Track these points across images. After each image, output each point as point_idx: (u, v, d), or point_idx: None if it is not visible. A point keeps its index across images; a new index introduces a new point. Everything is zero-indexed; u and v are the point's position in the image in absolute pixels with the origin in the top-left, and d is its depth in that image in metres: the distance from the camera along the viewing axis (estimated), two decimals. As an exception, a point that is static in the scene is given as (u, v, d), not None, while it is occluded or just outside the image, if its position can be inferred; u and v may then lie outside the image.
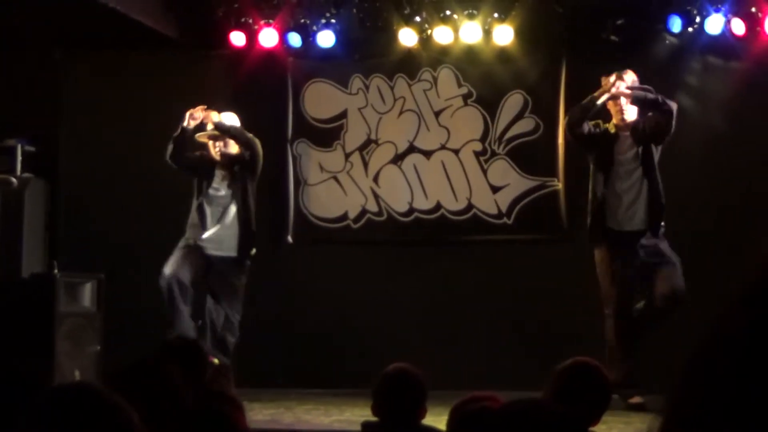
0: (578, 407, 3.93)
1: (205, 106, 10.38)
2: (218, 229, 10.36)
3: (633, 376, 9.45)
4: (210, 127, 10.38)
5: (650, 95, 9.61)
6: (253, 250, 10.50)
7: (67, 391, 2.88)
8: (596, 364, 4.97)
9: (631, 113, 9.76)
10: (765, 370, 0.86)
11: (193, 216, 10.40)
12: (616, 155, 9.76)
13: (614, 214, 9.72)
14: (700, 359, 0.93)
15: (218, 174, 10.44)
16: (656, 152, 9.71)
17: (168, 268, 10.20)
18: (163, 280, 10.17)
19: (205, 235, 10.31)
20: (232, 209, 10.42)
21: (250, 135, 10.43)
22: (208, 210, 10.38)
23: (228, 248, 10.39)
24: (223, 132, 10.33)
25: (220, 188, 10.43)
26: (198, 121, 10.36)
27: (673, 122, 9.57)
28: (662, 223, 9.63)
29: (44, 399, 2.78)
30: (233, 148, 10.44)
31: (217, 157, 10.40)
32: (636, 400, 9.38)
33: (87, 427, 2.63)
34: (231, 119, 10.50)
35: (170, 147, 10.32)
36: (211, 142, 10.43)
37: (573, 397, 4.57)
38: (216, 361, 9.28)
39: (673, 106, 9.62)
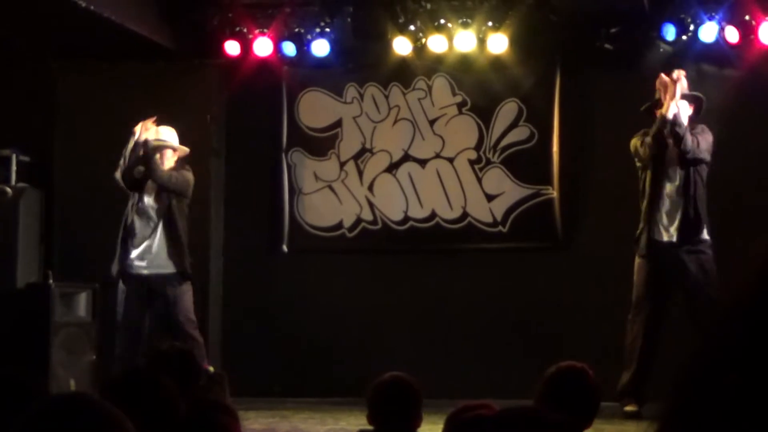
0: (567, 411, 3.90)
1: (155, 118, 10.33)
2: (147, 245, 10.28)
3: (643, 386, 9.44)
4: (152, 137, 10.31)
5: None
6: (188, 266, 10.35)
7: (63, 401, 2.86)
8: (583, 368, 4.95)
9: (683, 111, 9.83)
10: (760, 378, 0.84)
11: (123, 235, 10.33)
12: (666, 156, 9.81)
13: (657, 220, 9.70)
14: (695, 367, 0.91)
15: (148, 188, 10.36)
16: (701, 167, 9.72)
17: (119, 314, 10.18)
18: (119, 324, 10.18)
19: (134, 253, 10.24)
20: (161, 225, 10.32)
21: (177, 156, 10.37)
22: (138, 224, 10.31)
23: (159, 265, 10.28)
24: (148, 154, 10.27)
25: (150, 203, 10.34)
26: (149, 133, 10.32)
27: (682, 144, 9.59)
28: (702, 236, 9.58)
29: (39, 409, 2.76)
30: (170, 162, 10.35)
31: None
32: (631, 408, 9.38)
33: None
34: (169, 134, 10.42)
35: (123, 163, 10.27)
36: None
37: (561, 401, 4.56)
38: (211, 369, 9.28)
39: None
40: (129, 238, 10.29)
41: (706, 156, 9.66)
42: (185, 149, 10.42)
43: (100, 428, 2.63)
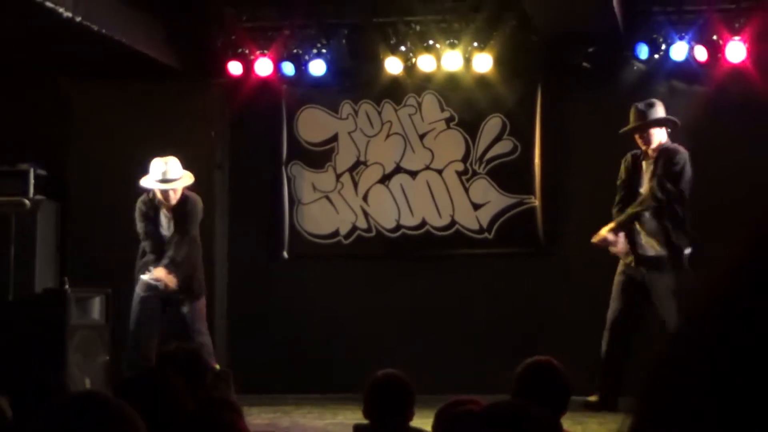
0: (540, 403, 3.90)
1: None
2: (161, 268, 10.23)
3: (612, 394, 9.40)
4: (158, 173, 10.21)
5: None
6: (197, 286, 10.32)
7: (79, 398, 2.87)
8: (554, 363, 4.95)
9: (655, 139, 9.70)
10: (733, 375, 0.84)
11: (141, 261, 10.29)
12: (638, 187, 9.70)
13: (637, 240, 9.64)
14: (669, 360, 0.92)
15: (163, 216, 10.33)
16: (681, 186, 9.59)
17: (132, 329, 10.13)
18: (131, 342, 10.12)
19: (146, 276, 10.19)
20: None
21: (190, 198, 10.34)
22: (152, 251, 10.27)
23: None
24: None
25: (166, 230, 10.31)
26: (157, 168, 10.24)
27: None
28: (683, 255, 9.44)
29: (58, 406, 2.77)
30: (179, 192, 10.27)
31: (166, 202, 10.24)
32: (592, 398, 9.37)
33: None
34: (175, 166, 10.33)
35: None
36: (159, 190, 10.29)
37: (533, 394, 4.57)
38: (218, 366, 9.27)
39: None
40: (145, 265, 10.26)
41: (686, 187, 9.54)
42: (190, 180, 10.35)
43: (113, 423, 2.64)
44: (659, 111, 9.76)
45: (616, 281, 9.66)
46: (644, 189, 9.63)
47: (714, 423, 0.84)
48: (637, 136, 9.74)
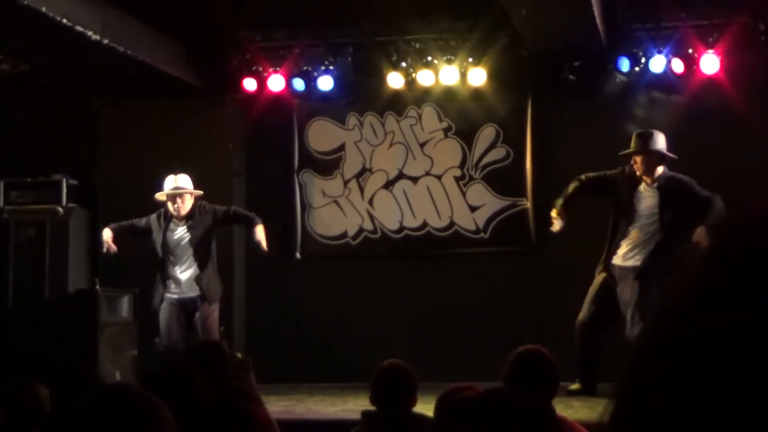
0: (531, 389, 3.89)
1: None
2: (182, 273, 10.19)
3: (592, 380, 9.35)
4: (169, 187, 10.17)
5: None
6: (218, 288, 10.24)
7: (110, 391, 2.87)
8: (542, 351, 4.93)
9: (658, 168, 9.30)
10: (706, 364, 0.84)
11: (160, 274, 10.21)
12: (636, 205, 9.30)
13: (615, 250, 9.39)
14: (647, 346, 0.91)
15: (174, 224, 10.18)
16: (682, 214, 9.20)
17: (162, 336, 9.97)
18: (159, 346, 9.98)
19: (173, 287, 10.10)
20: (189, 254, 10.18)
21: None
22: (169, 259, 10.20)
23: (194, 289, 10.10)
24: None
25: (179, 236, 10.19)
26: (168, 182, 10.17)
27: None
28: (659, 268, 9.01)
29: (92, 396, 2.77)
30: (188, 203, 10.18)
31: (175, 213, 10.15)
32: (574, 386, 9.33)
33: (128, 423, 2.62)
34: (185, 181, 10.27)
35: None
36: (169, 201, 10.23)
37: (524, 380, 4.55)
38: (239, 355, 9.24)
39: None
40: (163, 273, 10.19)
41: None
42: (199, 192, 10.30)
43: (142, 415, 2.64)
44: (662, 141, 9.32)
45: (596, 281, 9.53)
46: (645, 208, 9.31)
47: (689, 406, 0.84)
48: (639, 161, 9.26)
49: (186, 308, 10.06)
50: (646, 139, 9.34)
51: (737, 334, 0.82)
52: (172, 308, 10.02)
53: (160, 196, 10.22)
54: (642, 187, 9.35)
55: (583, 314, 9.45)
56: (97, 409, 2.66)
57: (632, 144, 9.39)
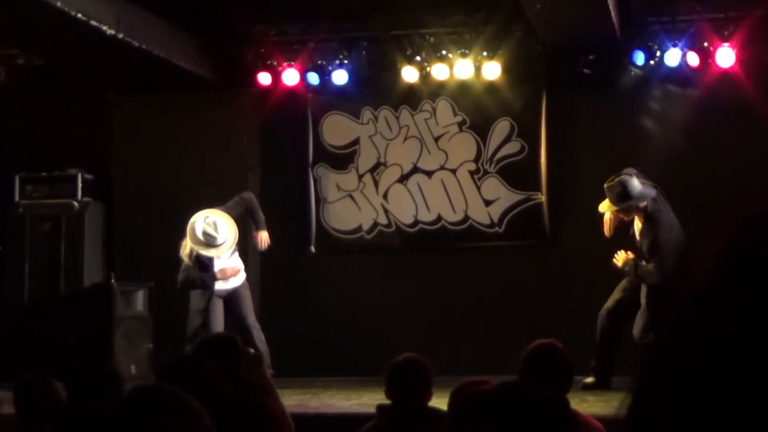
0: (546, 382, 3.88)
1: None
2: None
3: (607, 373, 9.43)
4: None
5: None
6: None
7: (150, 390, 2.86)
8: (557, 345, 4.92)
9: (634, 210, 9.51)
10: (724, 359, 0.84)
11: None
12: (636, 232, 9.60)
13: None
14: (666, 343, 0.91)
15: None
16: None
17: (210, 327, 10.09)
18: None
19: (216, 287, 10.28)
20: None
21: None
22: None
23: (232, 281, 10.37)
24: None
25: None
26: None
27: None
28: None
29: (131, 397, 2.76)
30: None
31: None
32: (589, 380, 9.39)
33: (169, 422, 2.62)
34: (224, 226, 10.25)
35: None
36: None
37: (539, 374, 4.54)
38: (252, 351, 9.27)
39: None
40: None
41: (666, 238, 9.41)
42: (233, 239, 10.31)
43: (183, 415, 2.63)
44: (633, 186, 9.40)
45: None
46: (638, 237, 9.53)
47: (704, 400, 0.83)
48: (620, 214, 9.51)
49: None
50: (613, 197, 9.43)
51: (751, 333, 0.82)
52: None
53: (197, 248, 10.21)
54: (636, 218, 9.59)
55: (609, 302, 9.56)
56: (138, 409, 2.66)
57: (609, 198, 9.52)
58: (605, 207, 9.53)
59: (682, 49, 10.99)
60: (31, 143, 12.23)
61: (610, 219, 9.57)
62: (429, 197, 11.98)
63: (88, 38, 10.05)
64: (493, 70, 11.49)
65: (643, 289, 9.35)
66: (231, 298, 10.37)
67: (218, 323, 10.21)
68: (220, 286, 10.29)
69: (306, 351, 11.60)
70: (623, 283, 9.62)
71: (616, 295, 9.61)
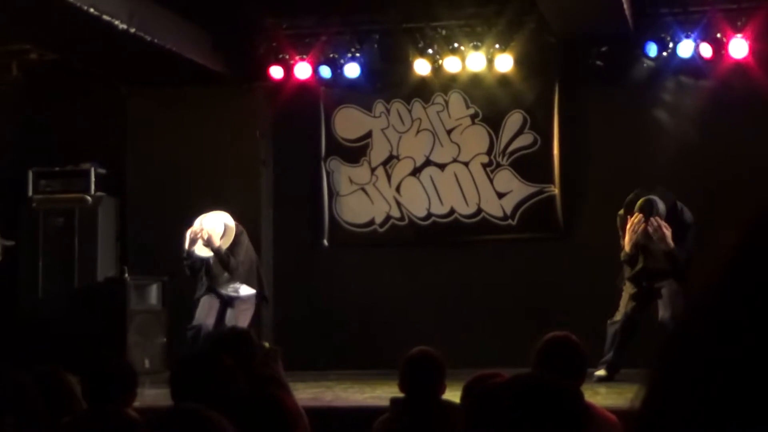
0: (559, 374, 3.88)
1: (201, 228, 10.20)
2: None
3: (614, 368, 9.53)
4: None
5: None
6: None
7: (183, 411, 2.82)
8: (572, 338, 4.92)
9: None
10: (737, 354, 0.84)
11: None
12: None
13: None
14: (680, 335, 0.91)
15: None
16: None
17: (196, 319, 10.11)
18: (190, 331, 10.07)
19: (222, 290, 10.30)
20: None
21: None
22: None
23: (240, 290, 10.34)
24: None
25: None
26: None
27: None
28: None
29: (164, 417, 2.73)
30: (217, 239, 10.19)
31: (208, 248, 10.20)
32: (600, 372, 9.46)
33: None
34: (214, 220, 10.28)
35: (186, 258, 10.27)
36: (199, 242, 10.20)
37: (552, 366, 4.53)
38: (266, 344, 9.28)
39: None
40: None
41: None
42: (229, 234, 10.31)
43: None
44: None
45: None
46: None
47: (718, 394, 0.83)
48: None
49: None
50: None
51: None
52: None
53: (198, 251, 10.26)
54: None
55: (626, 308, 9.75)
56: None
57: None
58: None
59: (694, 41, 10.96)
60: (45, 138, 12.26)
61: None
62: (442, 190, 11.98)
63: (100, 33, 10.07)
64: (505, 63, 11.48)
65: (667, 285, 9.41)
66: (229, 305, 10.30)
67: (206, 318, 10.12)
68: (204, 253, 10.19)
69: (320, 344, 11.61)
70: (630, 291, 9.70)
71: (629, 303, 9.70)
